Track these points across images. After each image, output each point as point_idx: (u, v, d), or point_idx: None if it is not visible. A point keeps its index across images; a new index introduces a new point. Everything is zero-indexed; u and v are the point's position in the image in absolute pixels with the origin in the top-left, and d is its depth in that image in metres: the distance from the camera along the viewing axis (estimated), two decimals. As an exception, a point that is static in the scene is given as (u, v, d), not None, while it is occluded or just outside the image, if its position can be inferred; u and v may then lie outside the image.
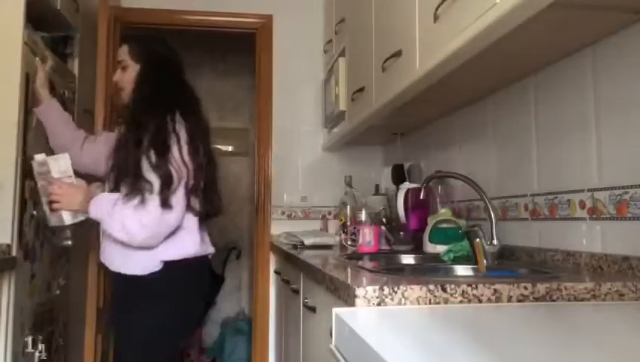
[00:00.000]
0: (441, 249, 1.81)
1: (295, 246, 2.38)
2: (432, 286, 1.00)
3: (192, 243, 1.75)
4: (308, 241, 2.35)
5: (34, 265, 2.01)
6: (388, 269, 1.37)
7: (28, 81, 1.95)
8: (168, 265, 1.70)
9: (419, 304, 0.99)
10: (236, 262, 4.44)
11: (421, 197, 1.77)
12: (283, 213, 3.04)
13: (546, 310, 0.96)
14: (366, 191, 2.76)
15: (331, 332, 0.93)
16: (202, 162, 1.77)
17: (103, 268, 2.12)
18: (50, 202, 1.78)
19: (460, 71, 1.45)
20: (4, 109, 1.87)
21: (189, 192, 1.72)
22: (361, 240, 2.07)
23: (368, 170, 3.05)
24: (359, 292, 0.98)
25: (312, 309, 1.58)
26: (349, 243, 2.20)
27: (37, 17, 2.12)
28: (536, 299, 1.02)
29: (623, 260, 1.23)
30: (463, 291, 1.00)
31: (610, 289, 1.04)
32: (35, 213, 2.00)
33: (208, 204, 1.83)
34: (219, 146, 3.94)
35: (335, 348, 0.89)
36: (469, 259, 1.58)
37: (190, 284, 1.79)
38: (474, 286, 1.01)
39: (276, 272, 2.83)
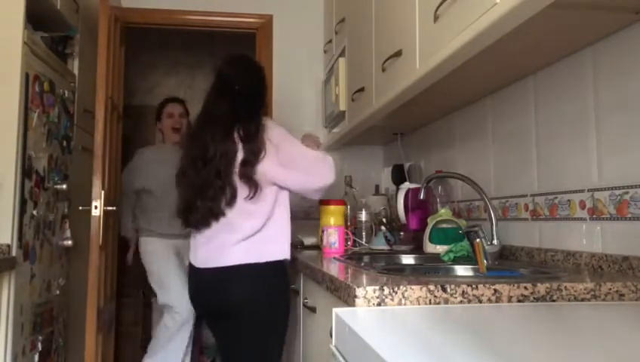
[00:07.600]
0: (441, 249, 1.80)
1: (295, 247, 2.38)
2: (432, 287, 1.00)
3: None
4: (308, 241, 2.35)
5: (34, 265, 2.01)
6: (388, 269, 1.37)
7: (28, 80, 1.96)
8: None
9: (419, 304, 0.99)
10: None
11: (421, 197, 1.77)
12: (283, 213, 3.03)
13: (546, 310, 0.96)
14: (366, 191, 2.76)
15: (331, 332, 0.93)
16: None
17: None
18: None
19: (460, 71, 1.44)
20: (4, 109, 1.87)
21: None
22: (325, 242, 2.01)
23: (368, 170, 3.05)
24: (359, 292, 0.98)
25: (312, 309, 1.58)
26: (348, 243, 2.20)
27: (37, 17, 2.12)
28: (537, 299, 1.02)
29: (623, 260, 1.23)
30: (463, 291, 1.00)
31: (610, 289, 1.04)
32: (35, 213, 2.00)
33: None
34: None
35: (335, 348, 0.89)
36: (469, 259, 1.58)
37: None
38: (474, 286, 1.01)
39: (276, 272, 2.83)
